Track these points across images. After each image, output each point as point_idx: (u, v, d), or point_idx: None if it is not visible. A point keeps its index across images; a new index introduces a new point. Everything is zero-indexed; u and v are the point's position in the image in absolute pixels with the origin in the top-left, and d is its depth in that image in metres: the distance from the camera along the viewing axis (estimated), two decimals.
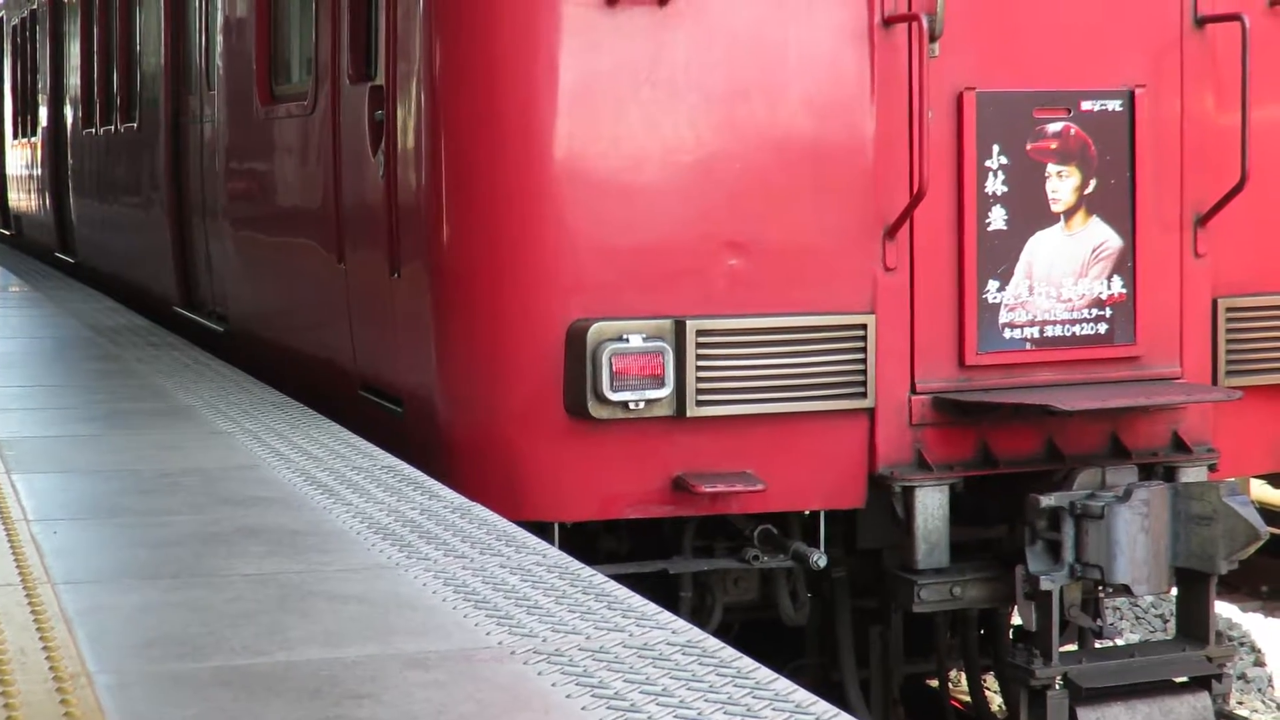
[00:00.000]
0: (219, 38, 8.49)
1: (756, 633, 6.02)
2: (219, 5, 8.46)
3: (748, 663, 3.29)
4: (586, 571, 3.96)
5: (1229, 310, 5.90)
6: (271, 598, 3.81)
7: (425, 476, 5.10)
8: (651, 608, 3.64)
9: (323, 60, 6.68)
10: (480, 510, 4.61)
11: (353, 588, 3.90)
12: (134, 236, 11.14)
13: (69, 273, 14.08)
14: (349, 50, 6.37)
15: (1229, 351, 5.91)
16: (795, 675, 5.67)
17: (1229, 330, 5.90)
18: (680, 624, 3.56)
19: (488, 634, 3.47)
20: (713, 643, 3.40)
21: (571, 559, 4.10)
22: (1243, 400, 5.81)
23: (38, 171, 16.60)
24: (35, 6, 16.87)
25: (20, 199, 18.71)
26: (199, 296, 9.30)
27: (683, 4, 5.38)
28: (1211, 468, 5.81)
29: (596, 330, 5.29)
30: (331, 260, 6.62)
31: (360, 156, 6.24)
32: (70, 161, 14.30)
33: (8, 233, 20.17)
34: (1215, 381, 5.89)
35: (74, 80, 13.91)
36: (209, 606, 3.73)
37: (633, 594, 3.76)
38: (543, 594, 3.78)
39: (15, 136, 18.84)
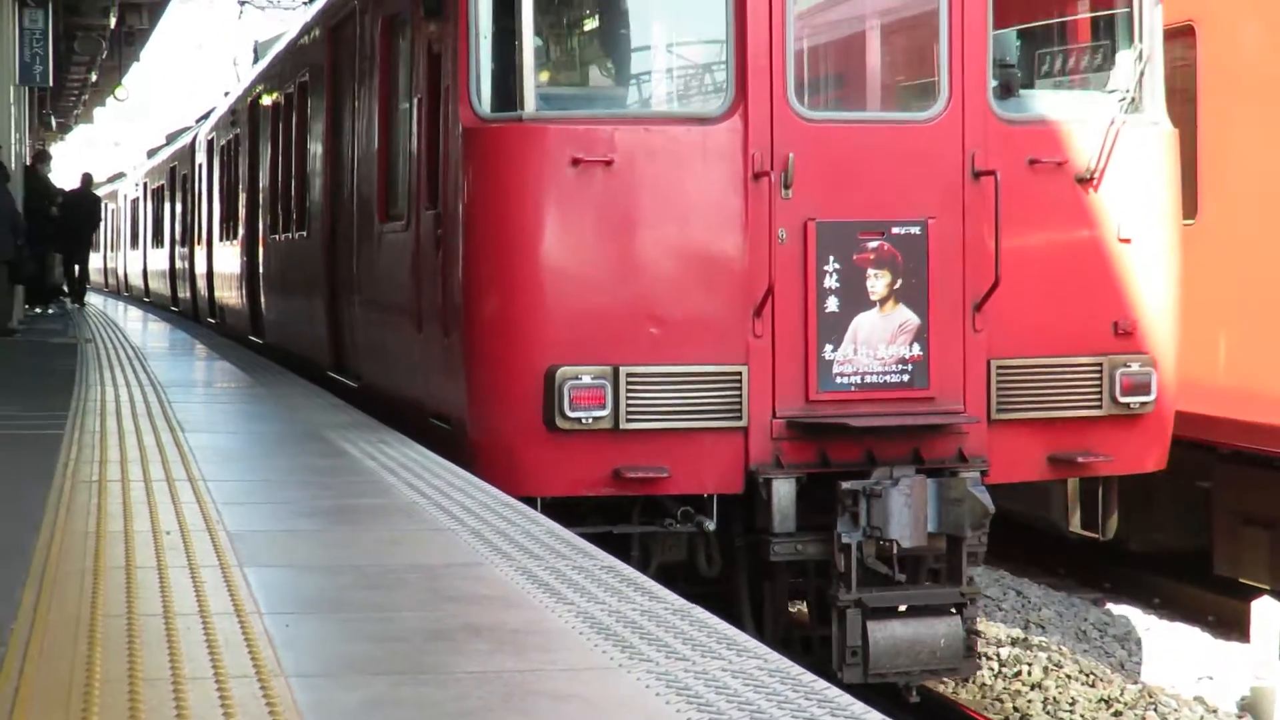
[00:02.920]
0: (357, 175, 11.82)
1: (680, 584, 9.00)
2: (357, 152, 11.80)
3: None
4: (808, 677, 4.09)
5: (998, 368, 8.79)
6: (495, 695, 3.92)
7: (644, 578, 5.35)
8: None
9: (412, 194, 9.92)
10: (699, 612, 4.82)
11: (575, 688, 4.01)
12: (303, 320, 14.49)
13: (258, 351, 17.50)
14: (425, 189, 9.59)
15: (998, 395, 8.80)
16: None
17: (998, 381, 8.79)
18: None
19: None
20: None
21: (793, 664, 4.27)
22: (1009, 427, 8.72)
23: (237, 269, 20.17)
24: (237, 132, 20.54)
25: (223, 293, 22.31)
26: (344, 362, 12.56)
27: (620, 165, 8.48)
28: (983, 474, 8.70)
29: (561, 373, 8.38)
30: (414, 330, 9.82)
31: (430, 259, 9.44)
32: (261, 261, 17.81)
33: (213, 321, 23.83)
34: (989, 417, 8.79)
35: (264, 196, 17.44)
36: (435, 703, 3.86)
37: (858, 702, 3.90)
38: (765, 698, 3.91)
39: (220, 240, 22.51)
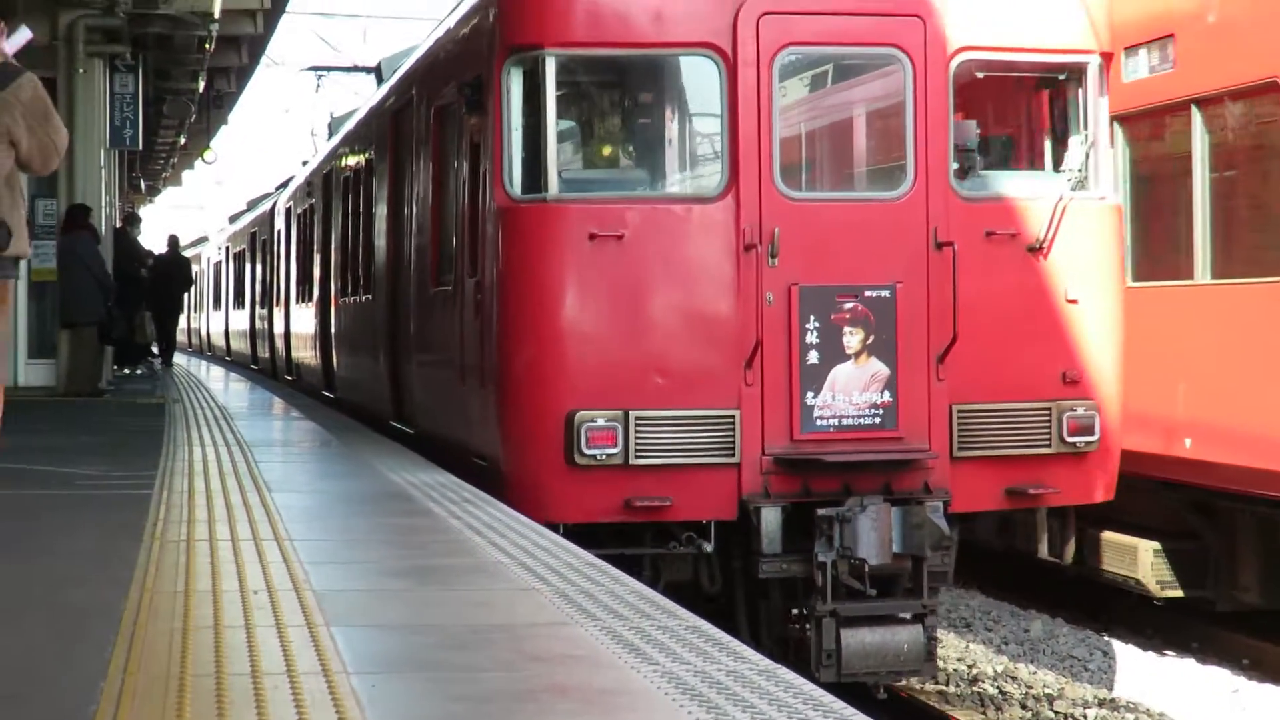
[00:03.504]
0: (414, 245, 13.37)
1: (686, 601, 10.41)
2: (413, 224, 13.35)
3: None
4: None
5: (959, 411, 10.17)
6: None
7: (729, 638, 5.39)
8: None
9: (457, 263, 11.45)
10: (785, 673, 4.84)
11: None
12: (368, 375, 16.04)
13: (330, 404, 19.06)
14: (467, 258, 11.12)
15: (959, 435, 10.17)
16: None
17: (959, 423, 10.16)
18: None
19: None
20: None
21: None
22: (969, 463, 10.10)
23: (312, 330, 21.79)
24: (312, 202, 22.23)
25: (299, 351, 23.95)
26: (403, 412, 14.08)
27: (631, 239, 9.94)
28: (946, 504, 10.08)
29: (579, 416, 9.82)
30: (459, 382, 11.32)
31: (471, 320, 10.94)
32: (332, 322, 19.41)
33: (290, 378, 25.47)
34: (951, 455, 10.17)
35: (335, 262, 19.06)
36: None
37: None
38: None
39: (296, 302, 24.17)
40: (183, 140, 38.04)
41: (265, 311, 29.81)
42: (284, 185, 31.23)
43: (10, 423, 9.02)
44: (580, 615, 5.77)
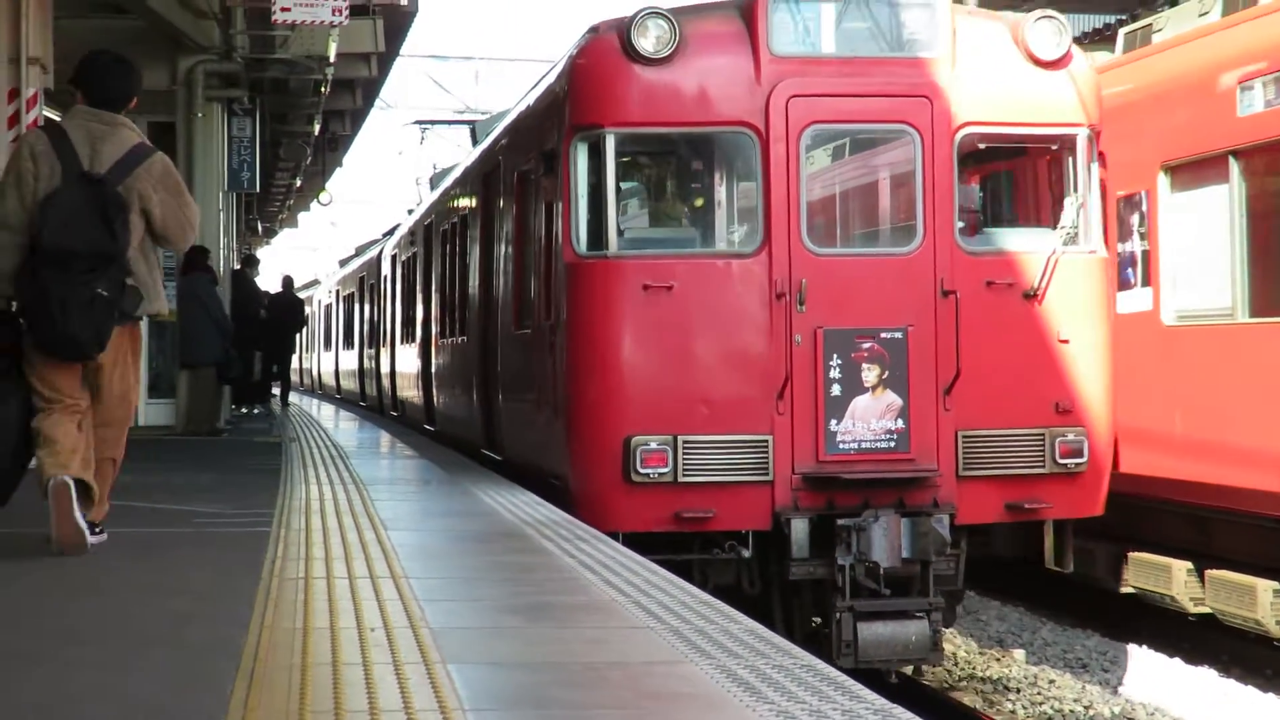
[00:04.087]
0: (500, 292, 15.24)
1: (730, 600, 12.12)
2: (499, 273, 15.21)
3: None
4: None
5: (964, 437, 11.84)
6: None
7: (845, 677, 5.40)
8: None
9: (534, 309, 13.28)
10: (902, 713, 4.92)
11: None
12: (463, 409, 17.90)
13: (431, 436, 20.94)
14: (542, 305, 12.94)
15: (964, 457, 11.84)
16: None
17: (964, 447, 11.83)
18: None
19: None
20: None
21: None
22: (972, 481, 11.75)
23: (415, 368, 23.73)
24: (415, 250, 24.21)
25: (404, 389, 25.92)
26: (492, 440, 15.92)
27: (679, 289, 11.68)
28: (952, 517, 11.74)
29: (635, 440, 11.57)
30: (536, 412, 13.14)
31: (545, 359, 12.76)
32: (433, 361, 21.32)
33: (395, 414, 27.44)
34: (957, 474, 11.83)
35: (434, 306, 20.99)
36: None
37: None
38: None
39: (400, 343, 26.16)
40: (298, 182, 38.54)
41: (373, 351, 31.88)
42: (390, 233, 33.29)
43: (131, 461, 9.23)
44: (694, 653, 5.83)
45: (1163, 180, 14.59)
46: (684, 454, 11.55)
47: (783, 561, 11.71)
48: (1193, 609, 14.45)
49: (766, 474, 11.59)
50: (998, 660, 14.78)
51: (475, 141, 21.47)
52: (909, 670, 12.89)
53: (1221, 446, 13.64)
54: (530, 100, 14.33)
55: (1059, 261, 12.04)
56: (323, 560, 8.30)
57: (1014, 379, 11.92)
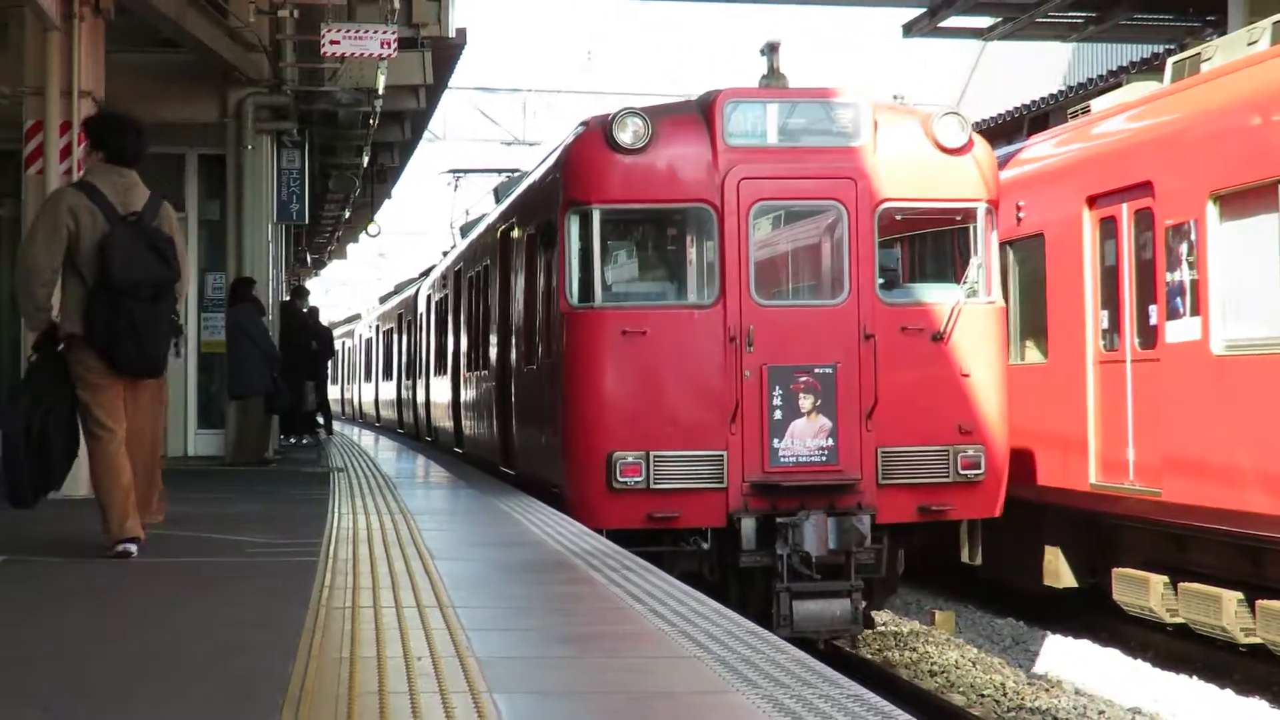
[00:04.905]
0: (514, 333, 18.28)
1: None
2: (513, 317, 18.27)
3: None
4: None
5: (883, 452, 14.76)
6: None
7: (893, 708, 5.49)
8: None
9: (538, 348, 16.31)
10: None
11: None
12: (486, 432, 20.95)
13: (460, 459, 23.96)
14: (546, 345, 15.95)
15: (883, 469, 14.74)
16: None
17: (883, 461, 14.76)
18: None
19: None
20: None
21: None
22: (890, 489, 14.66)
23: (447, 398, 26.78)
24: (446, 292, 27.32)
25: (437, 417, 28.99)
26: (508, 459, 18.93)
27: (651, 334, 14.60)
28: (873, 517, 14.67)
29: (615, 455, 14.49)
30: (540, 434, 16.16)
31: (548, 390, 15.77)
32: (463, 392, 24.39)
33: (429, 439, 30.52)
34: (877, 483, 14.74)
35: (462, 343, 24.07)
36: None
37: None
38: None
39: (434, 375, 29.25)
40: (347, 214, 38.87)
41: (410, 382, 35.01)
42: (426, 273, 36.40)
43: (180, 491, 9.93)
44: (741, 683, 5.88)
45: (1211, 209, 14.49)
46: (655, 466, 14.49)
47: (735, 553, 14.65)
48: (1244, 640, 14.46)
49: (722, 482, 14.52)
50: (1046, 691, 14.86)
51: (498, 200, 24.53)
52: (838, 642, 15.76)
53: (1274, 476, 13.55)
54: (536, 176, 17.41)
55: (962, 310, 14.95)
56: (370, 589, 8.37)
57: (924, 406, 14.83)
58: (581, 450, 14.70)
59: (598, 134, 14.80)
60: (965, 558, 15.77)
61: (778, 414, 14.54)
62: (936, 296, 15.12)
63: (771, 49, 15.42)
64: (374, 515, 13.13)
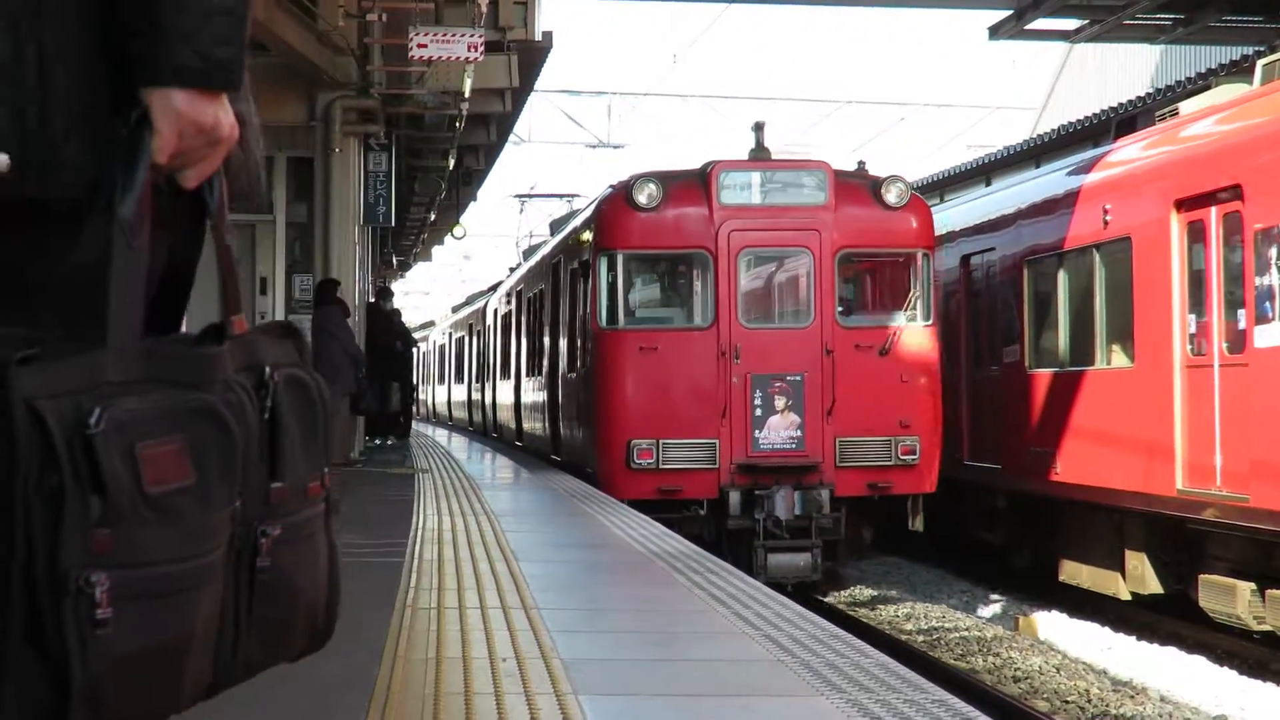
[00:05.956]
0: (562, 345, 23.14)
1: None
2: (561, 332, 23.11)
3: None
4: None
5: (840, 441, 19.43)
6: None
7: (977, 713, 5.51)
8: None
9: (579, 360, 21.17)
10: None
11: None
12: (539, 427, 25.78)
13: (520, 450, 28.72)
14: (582, 357, 20.79)
15: (840, 454, 19.40)
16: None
17: (840, 448, 19.41)
18: None
19: None
20: None
21: None
22: (846, 470, 19.36)
23: (510, 400, 31.64)
24: (510, 308, 32.26)
25: (502, 415, 33.75)
26: (556, 449, 23.69)
27: (662, 351, 19.39)
28: (831, 490, 19.36)
29: (633, 442, 19.24)
30: (577, 426, 20.98)
31: (583, 392, 20.58)
32: (522, 393, 29.24)
33: (495, 435, 35.39)
34: (835, 465, 19.45)
35: (523, 352, 28.98)
36: None
37: None
38: None
39: (500, 379, 34.16)
40: (433, 216, 38.82)
41: (479, 385, 40.00)
42: (494, 288, 41.01)
43: None
44: (825, 687, 5.89)
45: None
46: (663, 451, 19.26)
47: (724, 518, 19.43)
48: None
49: (714, 464, 19.27)
50: (1131, 698, 14.37)
51: (553, 233, 29.40)
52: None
53: None
54: (578, 222, 22.26)
55: (902, 331, 19.69)
56: (455, 590, 8.37)
57: (874, 406, 19.52)
58: (607, 438, 19.45)
59: (621, 195, 19.61)
60: (911, 526, 20.41)
61: (758, 411, 19.23)
62: (883, 320, 19.81)
63: (758, 128, 20.18)
64: (458, 517, 13.31)
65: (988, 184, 31.46)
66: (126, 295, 2.29)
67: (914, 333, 19.67)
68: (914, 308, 19.77)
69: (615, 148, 44.62)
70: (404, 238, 42.43)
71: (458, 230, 39.01)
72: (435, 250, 52.39)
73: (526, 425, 27.92)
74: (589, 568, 10.26)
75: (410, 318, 61.25)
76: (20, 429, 2.15)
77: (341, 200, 22.20)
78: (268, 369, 2.46)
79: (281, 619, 2.50)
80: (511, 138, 33.25)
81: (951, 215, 23.72)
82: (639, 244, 19.42)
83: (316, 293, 21.36)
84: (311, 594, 2.58)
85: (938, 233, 20.47)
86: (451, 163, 29.72)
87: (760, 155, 19.95)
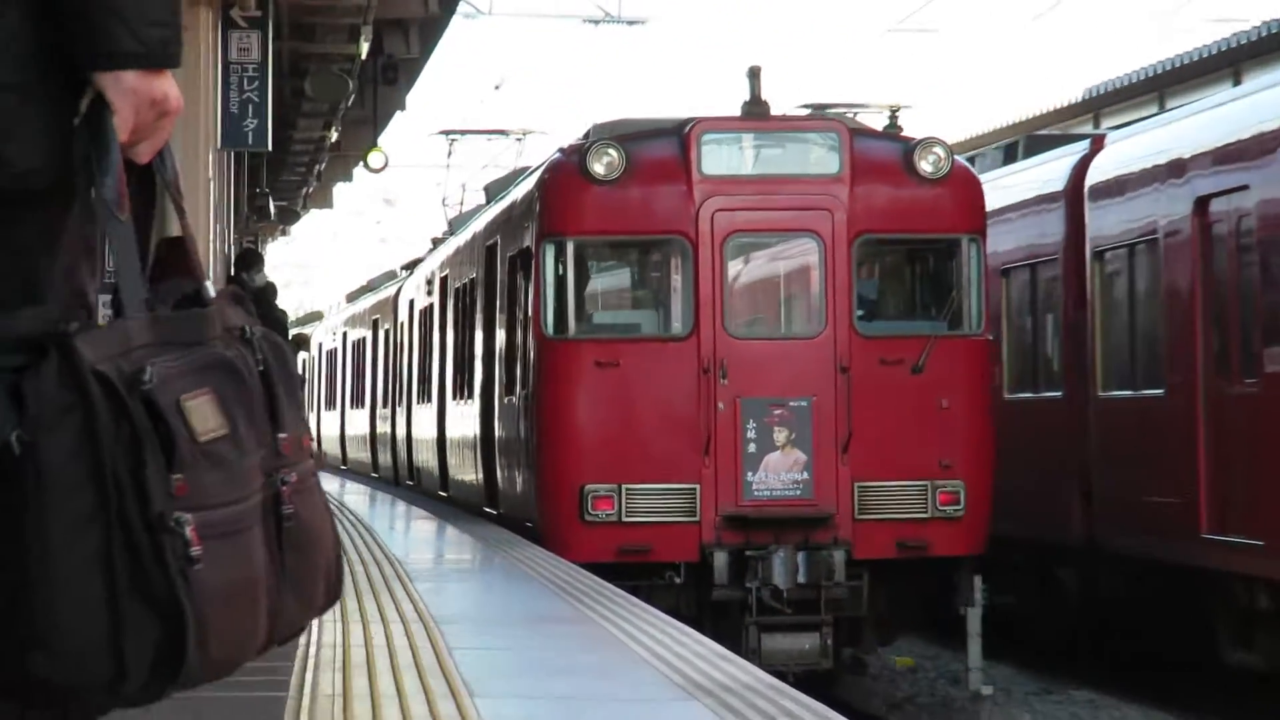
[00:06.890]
0: (496, 361, 18.64)
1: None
2: (497, 347, 18.64)
3: None
4: None
5: (859, 487, 15.30)
6: None
7: None
8: None
9: (511, 375, 16.68)
10: None
11: None
12: (471, 471, 21.35)
13: (445, 503, 24.23)
14: (523, 376, 16.35)
15: (860, 503, 15.27)
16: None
17: (859, 496, 15.31)
18: None
19: None
20: None
21: None
22: (868, 523, 15.19)
23: (432, 433, 27.15)
24: (432, 300, 27.65)
25: (420, 454, 29.27)
26: (492, 499, 19.30)
27: (624, 365, 15.50)
28: (848, 552, 15.04)
29: (588, 488, 15.16)
30: (518, 469, 16.53)
31: (524, 423, 16.16)
32: (448, 424, 24.75)
33: (410, 483, 30.82)
34: (854, 517, 15.16)
35: (449, 365, 24.47)
36: None
37: None
38: None
39: (416, 403, 29.54)
40: (334, 135, 28.48)
41: (387, 412, 32.30)
42: (410, 267, 32.33)
43: None
44: None
45: None
46: (627, 499, 15.23)
47: (707, 588, 15.05)
48: None
49: (695, 515, 15.31)
50: None
51: (489, 200, 23.61)
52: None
53: None
54: (518, 196, 18.07)
55: (940, 342, 15.32)
56: None
57: (904, 439, 15.42)
58: (554, 482, 15.48)
59: (572, 164, 15.24)
60: (959, 607, 15.87)
61: (751, 447, 15.21)
62: (916, 328, 15.76)
63: (753, 75, 15.89)
64: (375, 623, 9.72)
65: (1235, 83, 25.76)
66: (127, 265, 2.73)
67: (958, 345, 15.41)
68: (953, 310, 15.37)
69: (629, 24, 30.83)
70: (288, 170, 32.94)
71: (375, 157, 28.36)
72: (338, 190, 40.70)
73: (454, 469, 23.19)
74: (570, 705, 7.08)
75: (288, 302, 50.30)
76: (94, 391, 2.62)
77: (185, 111, 16.63)
78: (247, 328, 2.83)
79: (307, 567, 2.84)
80: (464, 6, 24.55)
81: (1176, 134, 17.36)
82: (595, 228, 15.76)
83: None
84: (326, 541, 2.89)
85: (1153, 164, 16.78)
86: (365, 48, 21.81)
87: (756, 111, 15.62)
